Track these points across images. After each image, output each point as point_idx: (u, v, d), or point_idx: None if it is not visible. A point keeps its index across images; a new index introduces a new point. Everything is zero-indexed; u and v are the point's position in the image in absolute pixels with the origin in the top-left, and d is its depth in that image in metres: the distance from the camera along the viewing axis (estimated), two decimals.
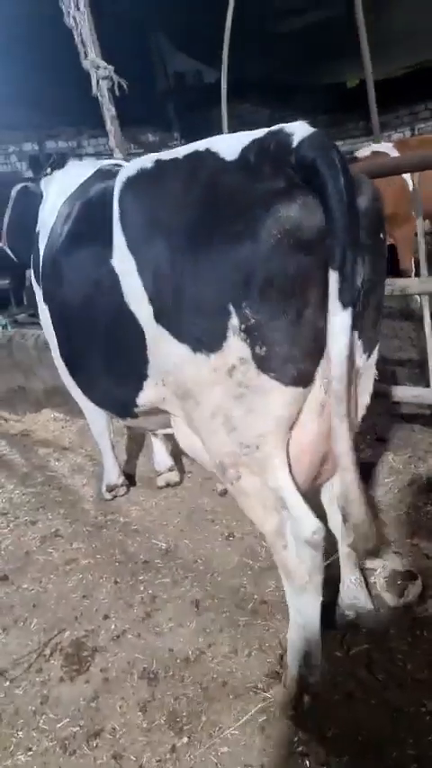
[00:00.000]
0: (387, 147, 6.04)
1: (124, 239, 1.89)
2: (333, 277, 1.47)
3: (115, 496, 3.43)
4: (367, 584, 2.39)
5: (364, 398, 1.90)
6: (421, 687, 1.93)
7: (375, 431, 3.65)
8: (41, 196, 2.99)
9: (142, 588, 2.64)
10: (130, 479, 3.60)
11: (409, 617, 2.23)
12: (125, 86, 3.79)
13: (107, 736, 1.97)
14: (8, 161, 15.48)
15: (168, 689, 2.11)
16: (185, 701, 2.05)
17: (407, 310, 5.98)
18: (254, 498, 1.78)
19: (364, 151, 6.06)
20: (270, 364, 1.60)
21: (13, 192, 3.41)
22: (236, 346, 1.61)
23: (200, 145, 1.75)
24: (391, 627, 2.19)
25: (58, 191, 2.69)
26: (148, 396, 2.07)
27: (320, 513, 2.15)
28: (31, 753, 1.96)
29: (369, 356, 1.80)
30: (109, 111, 3.81)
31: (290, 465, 1.75)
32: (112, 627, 2.45)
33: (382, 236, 1.69)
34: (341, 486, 1.69)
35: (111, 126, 3.84)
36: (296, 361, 1.60)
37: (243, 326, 1.58)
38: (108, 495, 3.41)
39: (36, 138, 15.25)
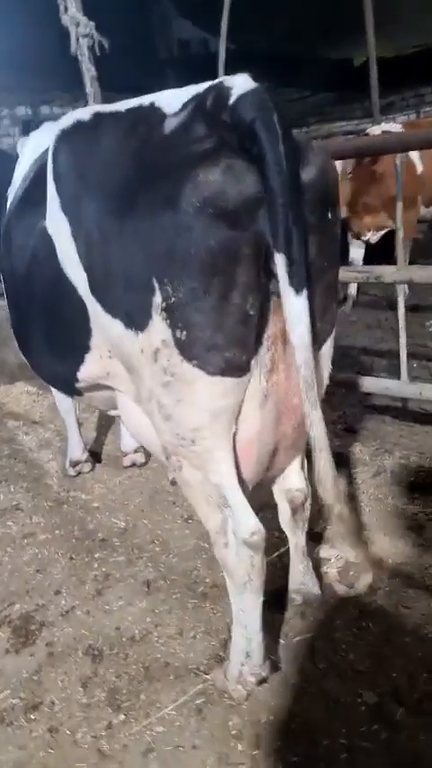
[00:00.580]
0: (396, 128, 5.95)
1: (58, 199, 1.77)
2: (280, 260, 1.37)
3: (79, 473, 3.41)
4: (319, 572, 2.41)
5: (320, 390, 1.84)
6: (360, 678, 1.94)
7: (346, 421, 3.65)
8: (17, 159, 2.88)
9: (96, 566, 2.64)
10: (96, 457, 3.57)
11: (357, 608, 2.24)
12: (106, 46, 3.64)
13: (45, 710, 1.97)
14: (0, 125, 15.13)
15: (111, 666, 2.11)
16: (127, 679, 2.05)
17: (391, 300, 5.96)
18: (197, 491, 1.73)
19: (374, 130, 5.96)
20: (192, 351, 1.49)
21: None
22: (159, 327, 1.51)
23: (146, 98, 1.63)
24: (338, 617, 2.20)
25: (30, 152, 2.54)
26: (90, 370, 1.97)
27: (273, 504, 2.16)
28: None
29: (320, 346, 1.71)
30: (89, 71, 3.65)
31: (236, 458, 1.69)
32: (63, 602, 2.45)
33: (330, 214, 1.55)
34: (315, 469, 1.62)
35: (90, 88, 3.68)
36: (221, 349, 1.48)
37: (164, 305, 1.47)
38: (72, 471, 3.39)
39: (30, 102, 14.86)
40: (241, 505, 1.69)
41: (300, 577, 2.20)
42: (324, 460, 1.56)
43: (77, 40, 3.58)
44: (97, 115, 1.74)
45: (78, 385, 2.11)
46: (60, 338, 2.02)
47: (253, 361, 1.55)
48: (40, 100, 15.50)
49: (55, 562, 2.70)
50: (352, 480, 3.08)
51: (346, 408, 3.76)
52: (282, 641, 2.12)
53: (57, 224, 1.79)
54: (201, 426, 1.59)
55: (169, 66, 16.87)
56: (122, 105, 1.70)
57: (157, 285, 1.47)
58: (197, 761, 1.73)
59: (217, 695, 1.93)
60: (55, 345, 2.09)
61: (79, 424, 3.47)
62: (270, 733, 1.79)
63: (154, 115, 1.56)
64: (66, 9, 3.57)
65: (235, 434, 1.66)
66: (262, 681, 1.90)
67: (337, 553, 2.55)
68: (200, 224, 1.38)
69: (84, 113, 1.78)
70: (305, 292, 1.40)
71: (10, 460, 3.70)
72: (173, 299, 1.45)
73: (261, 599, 1.81)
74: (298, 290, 1.39)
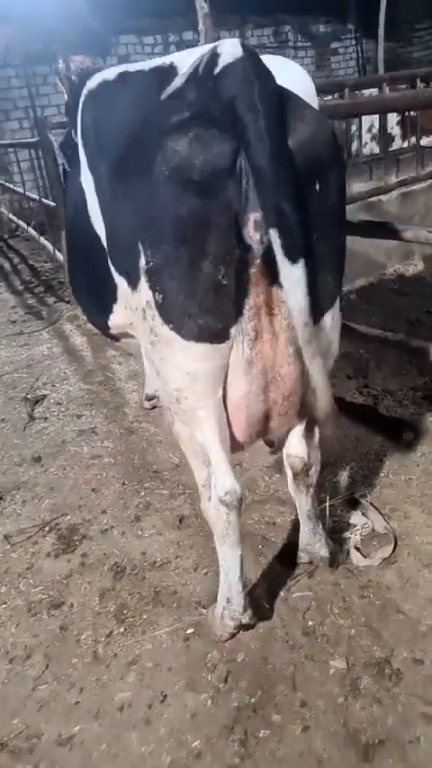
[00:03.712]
0: None
1: (85, 156, 1.88)
2: (274, 233, 1.36)
3: (154, 407, 3.64)
4: (342, 538, 2.43)
5: (325, 362, 1.80)
6: (340, 644, 1.98)
7: (429, 389, 3.46)
8: None
9: (142, 494, 2.89)
10: None
11: (366, 578, 2.25)
12: None
13: (64, 609, 2.29)
14: (168, 51, 15.17)
15: (128, 585, 2.36)
16: (137, 598, 2.29)
17: None
18: (186, 446, 1.82)
19: None
20: (168, 314, 1.56)
21: None
22: (144, 288, 1.59)
23: (169, 58, 1.66)
24: (344, 583, 2.23)
25: None
26: (117, 319, 2.10)
27: None
28: (4, 606, 2.34)
29: (319, 319, 1.65)
30: (202, 9, 3.57)
31: (228, 421, 1.75)
32: (105, 521, 2.74)
33: (319, 185, 1.48)
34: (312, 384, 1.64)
35: (202, 26, 3.62)
36: (194, 316, 1.52)
37: (145, 268, 1.54)
38: (147, 405, 3.64)
39: (195, 26, 14.65)
40: (221, 465, 1.77)
41: (306, 538, 2.25)
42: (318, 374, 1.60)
43: None
44: (121, 75, 1.80)
45: (111, 331, 2.27)
46: (96, 287, 2.16)
47: (233, 330, 1.57)
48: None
49: (109, 484, 3.00)
50: (420, 452, 2.96)
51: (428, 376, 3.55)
52: (282, 594, 2.22)
53: (86, 179, 1.90)
54: (182, 387, 1.67)
55: None
56: (150, 64, 1.73)
57: (141, 248, 1.55)
58: (168, 681, 1.93)
59: (206, 629, 2.10)
60: (93, 293, 2.25)
61: None
62: (239, 672, 1.93)
63: (167, 77, 1.59)
64: None
65: (225, 398, 1.72)
66: (243, 626, 2.02)
67: (365, 521, 2.53)
68: (168, 192, 1.41)
69: (110, 73, 1.85)
70: (302, 261, 1.40)
71: (100, 386, 4.05)
72: (151, 263, 1.53)
73: (239, 552, 1.91)
74: (293, 260, 1.39)
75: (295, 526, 2.52)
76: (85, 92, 1.91)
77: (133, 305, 1.75)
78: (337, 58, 17.91)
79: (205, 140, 1.36)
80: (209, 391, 1.67)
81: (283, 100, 1.42)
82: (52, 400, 3.94)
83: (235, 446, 1.87)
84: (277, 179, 1.33)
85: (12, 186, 9.45)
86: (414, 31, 16.51)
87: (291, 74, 1.64)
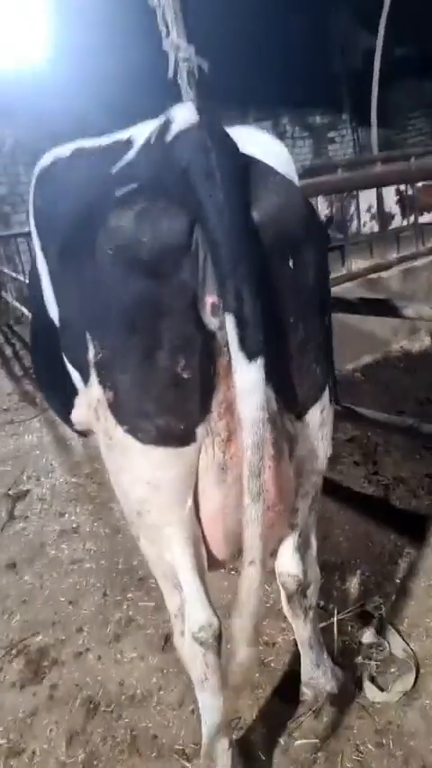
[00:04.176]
0: None
1: (37, 237, 1.70)
2: (230, 322, 1.13)
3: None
4: (353, 664, 2.07)
5: (311, 465, 1.52)
6: None
7: None
8: None
9: (125, 607, 2.54)
10: None
11: (383, 718, 1.87)
12: (205, 69, 3.55)
13: (24, 760, 1.92)
14: None
15: (101, 725, 2.00)
16: (110, 744, 1.93)
17: None
18: (155, 567, 1.54)
19: None
20: (121, 414, 1.31)
21: None
22: (95, 383, 1.35)
23: (128, 131, 1.51)
24: (357, 725, 1.86)
25: None
26: (79, 414, 1.82)
27: None
28: None
29: (302, 416, 1.42)
30: (188, 95, 3.60)
31: (203, 537, 1.47)
32: (80, 642, 2.39)
33: (293, 260, 1.26)
34: (240, 581, 1.27)
35: None
36: (152, 416, 1.28)
37: (94, 361, 1.32)
38: None
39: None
40: (195, 592, 1.47)
41: (309, 670, 1.89)
42: (250, 578, 1.22)
43: (177, 65, 3.54)
44: (73, 152, 1.66)
45: (76, 427, 2.02)
46: (57, 380, 1.94)
47: (200, 430, 1.32)
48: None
49: (89, 595, 2.66)
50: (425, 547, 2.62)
51: None
52: (282, 740, 1.84)
53: (40, 265, 1.72)
54: (143, 498, 1.41)
55: (340, 78, 16.64)
56: (109, 138, 1.59)
57: (90, 339, 1.33)
58: None
59: None
60: (54, 386, 2.03)
61: None
62: None
63: (121, 150, 1.44)
64: (167, 34, 3.55)
65: (198, 511, 1.45)
66: None
67: (380, 642, 2.17)
68: (114, 274, 1.20)
69: (65, 150, 1.71)
70: (260, 361, 1.14)
71: (86, 480, 3.77)
72: (100, 356, 1.31)
73: (221, 700, 1.56)
74: (251, 356, 1.13)
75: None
76: (35, 172, 1.77)
77: (87, 402, 1.51)
78: (334, 146, 18.71)
79: (154, 214, 1.16)
80: (175, 503, 1.39)
81: (247, 168, 1.24)
82: (35, 496, 3.66)
83: (214, 565, 1.57)
84: (235, 257, 1.11)
85: (15, 275, 9.61)
86: (407, 119, 17.27)
87: (261, 142, 1.47)
